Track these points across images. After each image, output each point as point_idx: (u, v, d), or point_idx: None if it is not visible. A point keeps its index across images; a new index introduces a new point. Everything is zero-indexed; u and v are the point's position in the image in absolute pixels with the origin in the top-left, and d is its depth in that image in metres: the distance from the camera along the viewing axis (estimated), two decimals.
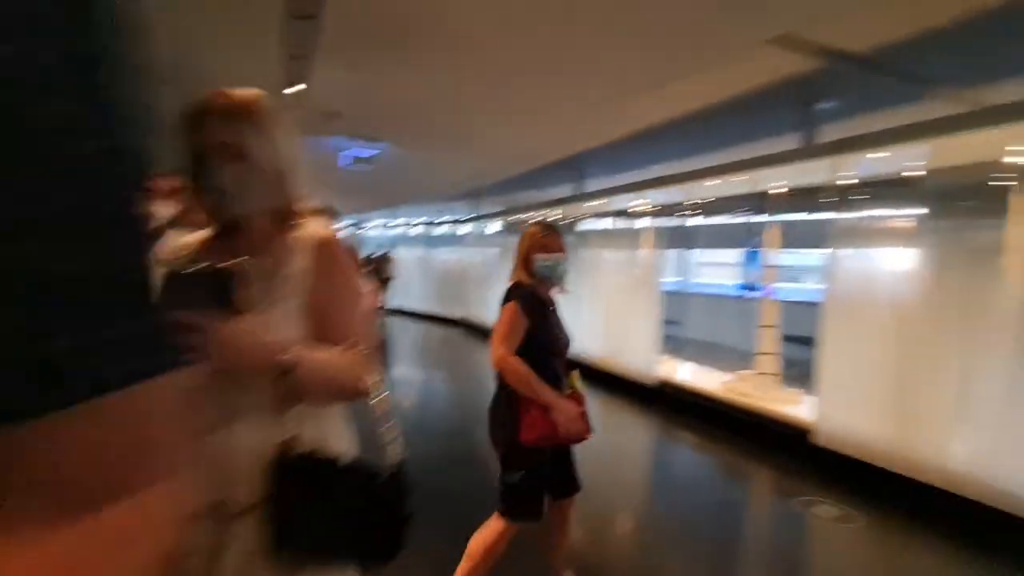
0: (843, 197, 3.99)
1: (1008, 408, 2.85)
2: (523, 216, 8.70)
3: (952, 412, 3.06)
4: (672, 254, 9.86)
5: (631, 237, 6.01)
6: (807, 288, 10.41)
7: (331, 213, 3.05)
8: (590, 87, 3.91)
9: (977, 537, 2.77)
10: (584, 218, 7.11)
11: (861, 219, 3.92)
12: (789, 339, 5.59)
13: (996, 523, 2.76)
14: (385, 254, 11.95)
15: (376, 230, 14.44)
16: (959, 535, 2.81)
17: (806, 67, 3.49)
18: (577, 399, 1.80)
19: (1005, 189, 3.00)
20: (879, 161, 3.73)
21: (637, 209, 6.20)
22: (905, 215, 3.63)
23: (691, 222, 9.06)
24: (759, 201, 5.32)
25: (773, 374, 4.68)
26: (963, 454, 2.97)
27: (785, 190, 5.00)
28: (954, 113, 3.71)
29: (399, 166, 7.02)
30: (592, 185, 7.12)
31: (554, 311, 1.93)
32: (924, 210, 3.47)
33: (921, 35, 3.04)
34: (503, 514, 1.81)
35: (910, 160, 3.56)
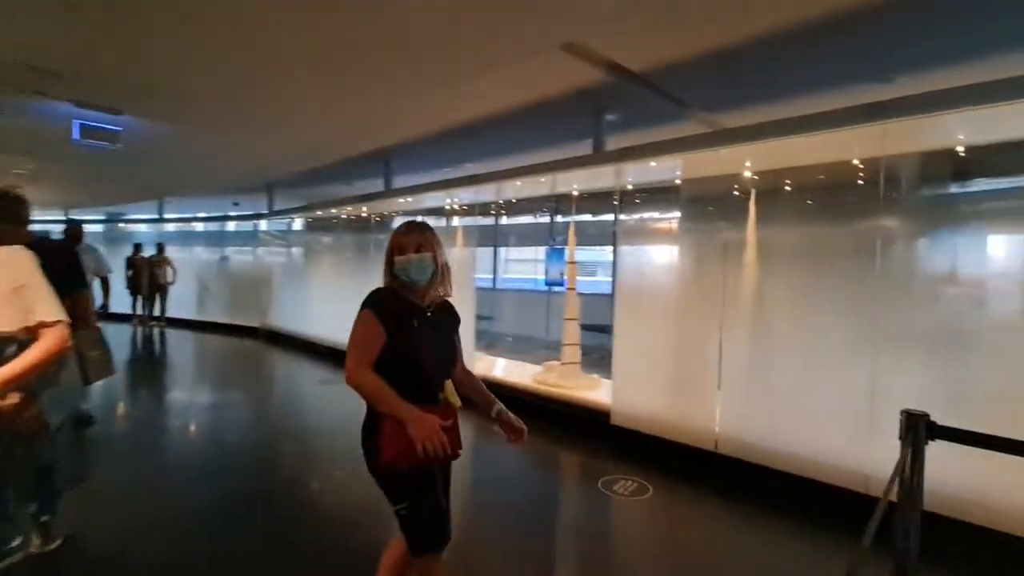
0: (626, 200, 4.46)
1: (750, 377, 3.48)
2: (334, 212, 8.00)
3: (712, 384, 3.62)
4: (483, 252, 10.15)
5: (444, 236, 5.92)
6: (600, 281, 11.76)
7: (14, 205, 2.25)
8: (385, 75, 3.66)
9: (742, 488, 3.32)
10: (395, 216, 6.81)
11: (640, 220, 4.43)
12: (588, 328, 6.14)
13: (752, 475, 3.35)
14: (158, 255, 9.90)
15: (148, 225, 11.90)
16: (727, 489, 3.33)
17: (594, 78, 3.78)
18: (445, 413, 1.60)
19: (747, 197, 3.64)
20: (653, 170, 4.24)
21: (450, 207, 6.16)
22: (671, 217, 4.19)
23: (501, 221, 9.49)
24: (559, 203, 5.69)
25: (576, 363, 5.05)
26: (721, 418, 3.56)
27: (577, 193, 5.46)
28: (707, 132, 4.41)
29: (160, 149, 5.78)
30: (402, 182, 6.85)
31: (436, 317, 1.72)
32: (680, 213, 4.04)
33: (683, 61, 3.52)
34: (410, 551, 1.64)
35: (674, 170, 4.12)
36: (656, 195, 4.38)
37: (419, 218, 1.84)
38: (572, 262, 5.25)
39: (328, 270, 8.25)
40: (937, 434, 1.50)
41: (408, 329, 1.60)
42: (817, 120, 3.15)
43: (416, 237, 1.67)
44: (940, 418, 1.55)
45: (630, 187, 4.49)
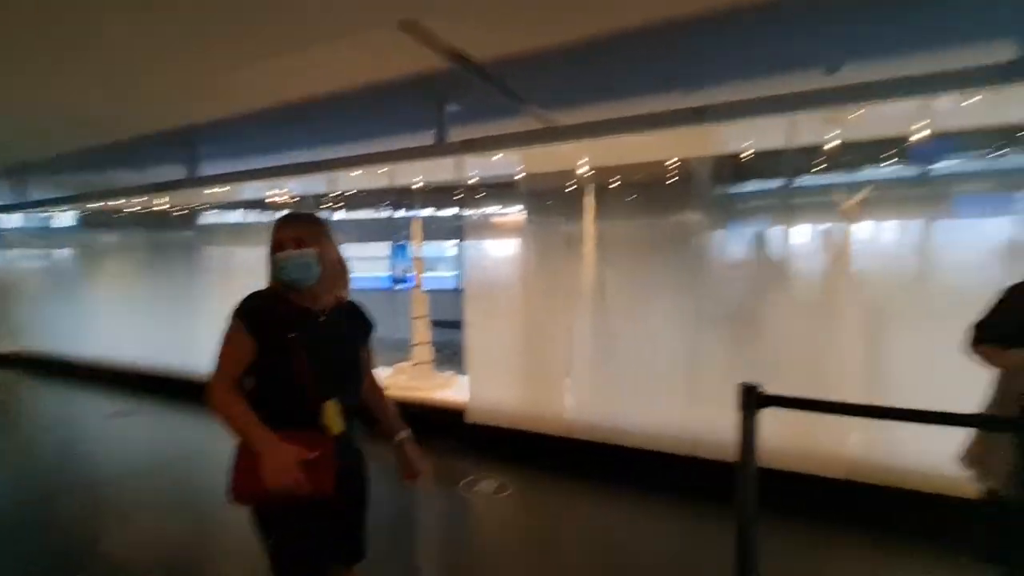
0: (471, 195, 4.38)
1: (596, 362, 3.68)
2: (114, 203, 6.52)
3: (563, 371, 3.75)
4: None
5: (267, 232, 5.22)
6: (446, 276, 11.69)
7: None
8: (182, 37, 3.02)
9: (596, 469, 3.48)
10: (204, 208, 5.81)
11: (486, 215, 4.40)
12: (438, 324, 5.99)
13: (603, 455, 3.54)
14: None
15: None
16: (584, 472, 3.47)
17: (435, 65, 3.61)
18: (314, 441, 1.33)
19: (585, 192, 3.82)
20: (497, 164, 4.24)
21: (274, 200, 5.43)
22: (515, 211, 4.24)
23: (337, 216, 8.77)
24: (403, 196, 5.41)
25: (428, 362, 4.87)
26: (572, 404, 3.70)
27: (420, 186, 5.25)
28: (544, 128, 4.54)
29: None
30: (213, 170, 5.86)
31: (332, 324, 1.45)
32: (524, 207, 4.12)
33: (525, 55, 3.53)
34: None
35: (517, 165, 4.17)
36: (501, 189, 4.40)
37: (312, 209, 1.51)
38: (418, 258, 5.03)
39: (115, 277, 6.73)
40: (767, 402, 1.67)
41: (282, 339, 1.34)
42: (640, 121, 3.44)
43: (295, 230, 1.40)
44: (755, 380, 1.73)
45: (474, 181, 4.43)
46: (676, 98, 4.40)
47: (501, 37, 3.27)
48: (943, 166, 3.91)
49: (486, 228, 4.27)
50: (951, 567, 2.26)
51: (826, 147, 3.48)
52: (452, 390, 4.59)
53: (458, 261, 8.27)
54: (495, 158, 4.09)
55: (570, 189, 3.92)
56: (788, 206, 3.54)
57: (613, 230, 3.77)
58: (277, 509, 1.33)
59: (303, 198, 5.49)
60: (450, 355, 6.18)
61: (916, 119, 3.08)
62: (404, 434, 1.59)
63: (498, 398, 3.97)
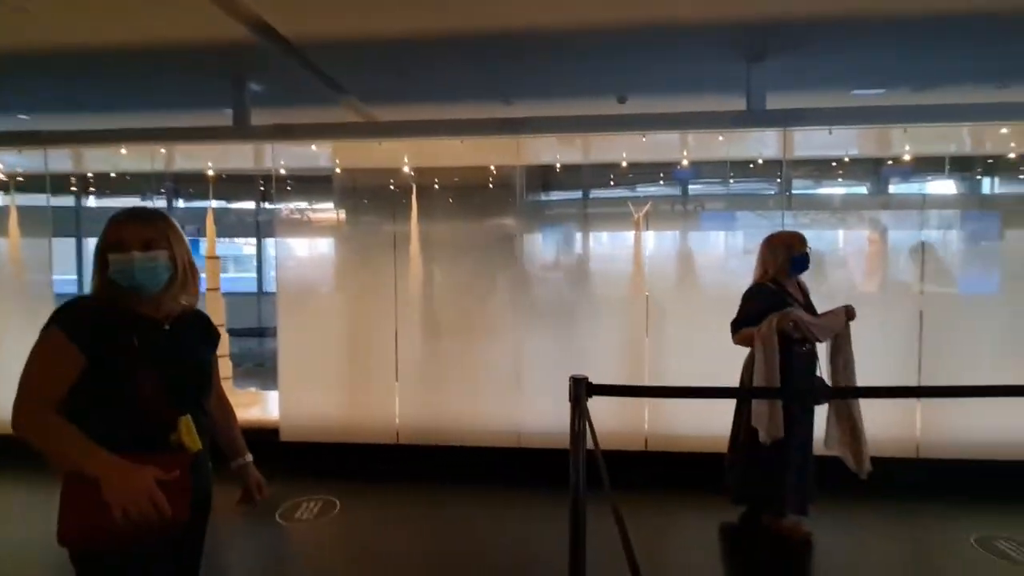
0: (281, 187, 3.94)
1: (425, 364, 3.64)
2: None
3: (391, 376, 3.63)
4: (67, 244, 7.31)
5: None
6: (239, 278, 10.29)
7: None
8: None
9: (426, 474, 3.42)
10: None
11: (302, 210, 4.01)
12: (234, 333, 5.24)
13: (433, 458, 3.51)
14: None
15: None
16: (413, 478, 3.38)
17: (238, 34, 3.14)
18: (171, 461, 1.15)
19: (405, 192, 3.74)
20: (312, 155, 3.89)
21: None
22: (338, 208, 3.96)
23: (89, 203, 6.99)
24: (182, 184, 4.59)
25: (227, 378, 4.22)
26: (400, 409, 3.60)
27: (213, 173, 4.51)
28: (364, 121, 4.33)
29: None
30: None
31: (178, 334, 1.27)
32: (345, 204, 3.89)
33: (347, 41, 3.30)
34: None
35: (335, 158, 3.90)
36: (317, 183, 4.05)
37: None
38: (213, 256, 4.32)
39: None
40: (594, 391, 1.87)
41: (123, 351, 1.15)
42: (460, 126, 3.53)
43: (142, 230, 1.21)
44: (566, 373, 1.92)
45: (283, 171, 3.98)
46: (496, 108, 4.65)
47: (322, 18, 3.01)
48: (698, 188, 4.86)
49: (302, 225, 3.88)
50: (720, 509, 2.82)
51: (622, 164, 4.05)
52: (258, 408, 4.06)
53: (259, 261, 7.36)
54: (313, 148, 3.75)
55: (393, 188, 3.81)
56: (591, 215, 4.01)
57: (437, 231, 3.78)
58: (115, 549, 1.11)
59: (31, 177, 4.23)
60: (251, 369, 5.47)
61: (679, 149, 3.78)
62: (245, 459, 1.45)
63: (318, 411, 3.64)
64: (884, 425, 3.06)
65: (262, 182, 4.18)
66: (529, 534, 2.72)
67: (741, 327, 2.59)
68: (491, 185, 3.86)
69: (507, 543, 2.66)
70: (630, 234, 3.72)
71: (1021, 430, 3.13)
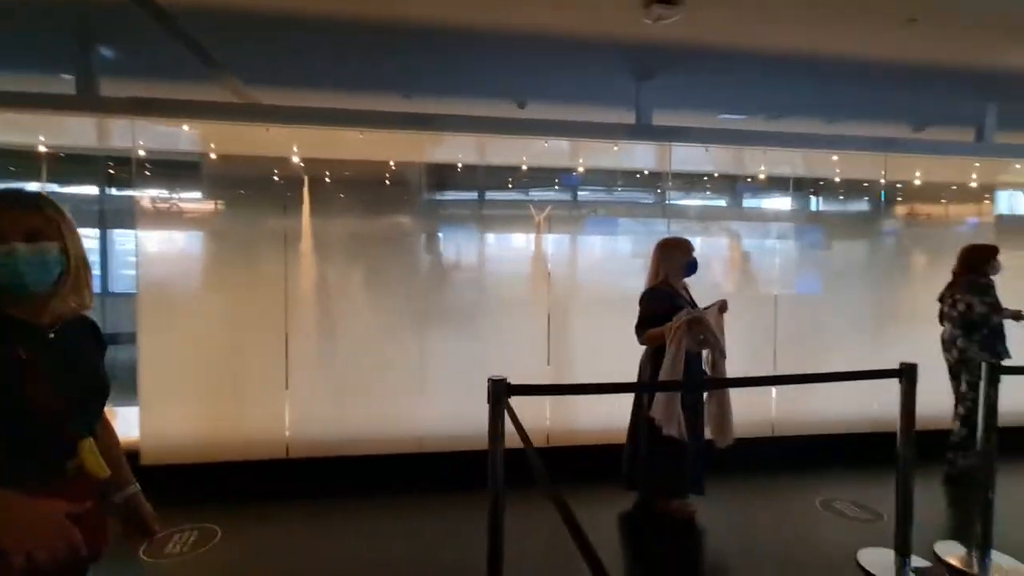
0: (145, 170, 3.41)
1: (319, 370, 3.39)
2: None
3: (280, 385, 3.32)
4: None
5: None
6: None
7: None
8: None
9: (319, 488, 3.17)
10: None
11: (169, 198, 3.50)
12: None
13: (327, 470, 3.26)
14: None
15: None
16: (305, 495, 3.12)
17: None
18: (78, 490, 0.98)
19: (295, 184, 3.45)
20: (183, 136, 3.42)
21: None
22: (213, 198, 3.53)
23: None
24: (24, 161, 3.79)
25: None
26: (291, 420, 3.31)
27: (46, 151, 3.76)
28: (242, 103, 3.91)
29: None
30: None
31: (65, 342, 1.06)
32: (222, 194, 3.49)
33: (224, 12, 2.95)
34: None
35: (204, 142, 3.47)
36: (188, 169, 3.57)
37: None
38: None
39: None
40: (513, 392, 1.88)
41: (7, 365, 0.95)
42: (359, 117, 3.34)
43: (26, 217, 1.00)
44: (469, 375, 1.93)
45: (144, 153, 3.45)
46: (395, 102, 4.48)
47: None
48: (585, 194, 5.12)
49: (170, 216, 3.39)
50: (619, 497, 3.00)
51: (522, 167, 4.12)
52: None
53: (104, 256, 6.28)
54: (185, 128, 3.29)
55: (281, 179, 3.49)
56: (492, 216, 4.04)
57: (333, 228, 3.54)
58: None
59: None
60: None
61: (574, 156, 3.97)
62: (132, 489, 1.25)
63: (189, 428, 3.21)
64: (746, 409, 3.49)
65: (110, 164, 3.57)
66: (439, 540, 2.65)
67: (646, 328, 2.78)
68: (390, 181, 3.71)
69: (417, 552, 2.57)
70: (531, 236, 3.81)
71: (854, 408, 3.77)
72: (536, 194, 4.80)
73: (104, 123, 3.44)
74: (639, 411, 2.91)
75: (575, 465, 3.40)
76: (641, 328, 2.82)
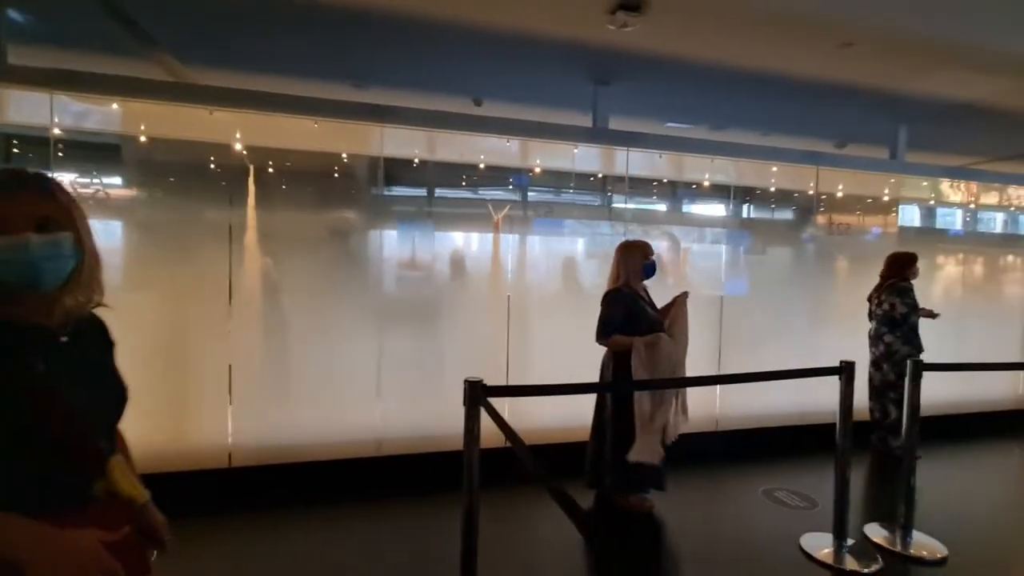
0: (54, 151, 3.05)
1: (266, 373, 3.18)
2: None
3: (223, 390, 3.08)
4: None
5: None
6: None
7: None
8: None
9: (265, 496, 2.97)
10: None
11: (92, 186, 3.14)
12: None
13: (272, 477, 3.07)
14: None
15: None
16: (249, 504, 2.91)
17: None
18: (113, 516, 0.87)
19: (238, 173, 3.22)
20: (103, 115, 3.10)
21: None
22: (139, 185, 3.22)
23: None
24: None
25: None
26: (234, 427, 3.09)
27: None
28: (174, 81, 3.60)
29: None
30: None
31: (78, 346, 0.92)
32: (146, 181, 3.20)
33: None
34: None
35: (132, 122, 3.17)
36: (111, 152, 3.23)
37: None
38: None
39: None
40: (490, 393, 1.85)
41: (25, 378, 0.81)
42: (310, 104, 3.18)
43: (37, 202, 0.86)
44: (428, 375, 1.91)
45: (59, 131, 3.09)
46: (345, 91, 4.30)
47: None
48: (534, 195, 5.14)
49: (92, 205, 3.06)
50: (580, 495, 3.04)
51: (479, 166, 4.09)
52: None
53: None
54: (114, 107, 2.98)
55: (221, 168, 3.25)
56: (448, 214, 3.97)
57: (280, 222, 3.34)
58: None
59: None
60: None
61: (530, 158, 3.99)
62: (146, 495, 1.09)
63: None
64: (692, 406, 3.66)
65: (15, 142, 3.17)
66: (403, 545, 2.57)
67: (610, 331, 2.83)
68: (342, 174, 3.56)
69: (379, 558, 2.47)
70: (487, 235, 3.79)
71: (792, 402, 4.04)
72: (489, 193, 4.79)
73: (12, 96, 3.05)
74: (602, 411, 2.97)
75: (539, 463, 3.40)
76: (604, 330, 2.87)
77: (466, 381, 1.85)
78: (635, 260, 2.95)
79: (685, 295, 2.93)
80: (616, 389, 2.93)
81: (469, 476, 1.86)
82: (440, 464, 3.28)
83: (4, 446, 0.80)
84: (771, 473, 3.55)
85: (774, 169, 4.23)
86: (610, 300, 2.92)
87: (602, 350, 2.99)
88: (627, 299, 2.88)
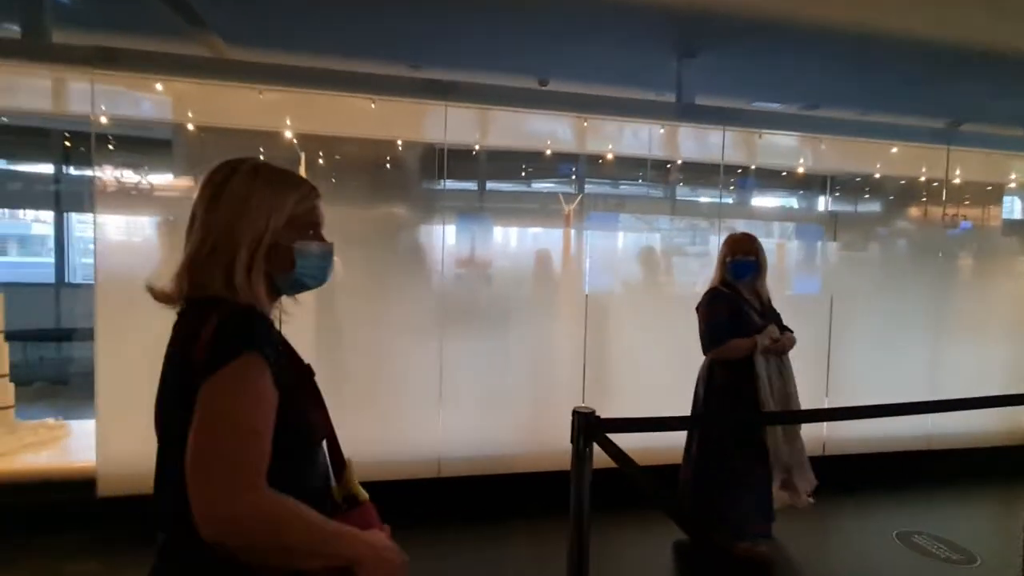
0: (102, 143, 2.83)
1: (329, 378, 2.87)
2: None
3: None
4: None
5: None
6: (27, 263, 7.98)
7: None
8: None
9: None
10: None
11: (138, 178, 2.91)
12: (20, 337, 3.82)
13: None
14: None
15: None
16: None
17: None
18: (363, 518, 0.86)
19: (297, 163, 2.92)
20: (152, 102, 2.86)
21: None
22: (173, 177, 2.98)
23: None
24: None
25: (8, 407, 2.96)
26: None
27: None
28: (216, 58, 3.35)
29: None
30: None
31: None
32: (184, 172, 2.94)
33: None
34: None
35: (177, 110, 2.91)
36: (157, 144, 3.00)
37: None
38: None
39: None
40: (602, 427, 1.43)
41: (301, 380, 0.86)
42: (364, 81, 2.84)
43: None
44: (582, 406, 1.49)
45: (106, 120, 2.86)
46: (399, 71, 3.97)
47: None
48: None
49: (138, 198, 2.82)
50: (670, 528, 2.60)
51: (547, 153, 3.66)
52: (58, 449, 2.89)
53: (61, 242, 5.57)
54: (158, 87, 2.73)
55: (272, 157, 2.96)
56: (512, 207, 3.59)
57: (334, 217, 3.01)
58: None
59: None
60: (45, 388, 4.08)
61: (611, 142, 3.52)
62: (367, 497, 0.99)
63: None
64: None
65: (67, 135, 2.99)
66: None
67: (721, 335, 2.36)
68: (400, 165, 3.21)
69: None
70: (558, 230, 3.36)
71: (910, 425, 3.42)
72: (544, 184, 4.35)
73: (61, 82, 2.84)
74: (691, 433, 2.51)
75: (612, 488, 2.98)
76: (713, 336, 2.38)
77: (575, 412, 1.44)
78: (719, 258, 2.49)
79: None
80: (761, 420, 2.41)
81: (578, 527, 1.46)
82: (506, 486, 2.89)
83: (297, 447, 0.80)
84: (901, 511, 2.98)
85: (893, 151, 3.60)
86: (708, 301, 2.44)
87: (695, 360, 2.52)
88: (727, 300, 2.40)
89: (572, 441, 1.44)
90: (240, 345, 0.72)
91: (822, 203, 4.02)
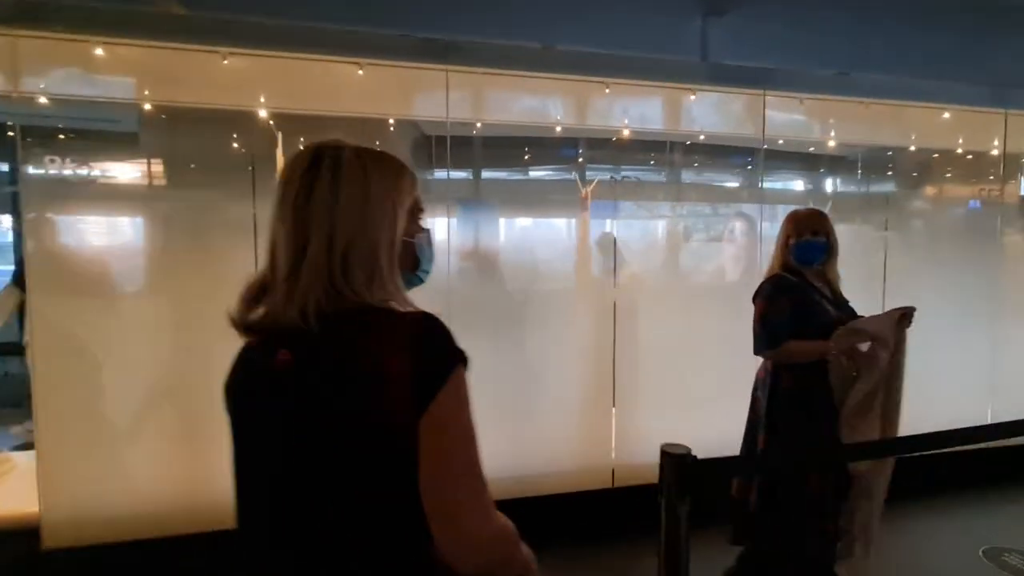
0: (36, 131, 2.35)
1: None
2: None
3: None
4: None
5: None
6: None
7: None
8: None
9: None
10: None
11: (82, 169, 2.43)
12: None
13: None
14: None
15: None
16: None
17: None
18: None
19: (274, 143, 2.48)
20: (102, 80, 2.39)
21: None
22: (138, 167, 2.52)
23: None
24: None
25: None
26: None
27: None
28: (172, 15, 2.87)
29: None
30: None
31: None
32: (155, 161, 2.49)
33: None
34: None
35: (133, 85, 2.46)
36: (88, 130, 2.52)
37: None
38: None
39: None
40: (702, 469, 1.04)
41: None
42: (350, 42, 2.42)
43: None
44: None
45: (44, 99, 2.37)
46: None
47: None
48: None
49: (71, 193, 2.36)
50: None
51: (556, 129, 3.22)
52: (3, 488, 2.44)
53: (18, 245, 5.03)
54: (101, 51, 2.25)
55: (240, 140, 2.53)
56: (523, 192, 3.18)
57: None
58: None
59: None
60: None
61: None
62: None
63: (115, 492, 2.22)
64: None
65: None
66: None
67: (779, 335, 1.95)
68: (393, 145, 2.78)
69: None
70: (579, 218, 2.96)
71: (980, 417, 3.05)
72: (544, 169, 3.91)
73: None
74: (751, 444, 2.10)
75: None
76: (768, 335, 1.95)
77: (664, 451, 1.04)
78: (781, 238, 2.07)
79: (911, 311, 1.94)
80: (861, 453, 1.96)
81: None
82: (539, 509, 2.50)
83: None
84: (986, 522, 2.62)
85: (946, 116, 3.22)
86: (770, 290, 2.00)
87: (751, 362, 2.13)
88: (789, 288, 1.99)
89: (660, 493, 1.04)
90: (460, 352, 0.70)
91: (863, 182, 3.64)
